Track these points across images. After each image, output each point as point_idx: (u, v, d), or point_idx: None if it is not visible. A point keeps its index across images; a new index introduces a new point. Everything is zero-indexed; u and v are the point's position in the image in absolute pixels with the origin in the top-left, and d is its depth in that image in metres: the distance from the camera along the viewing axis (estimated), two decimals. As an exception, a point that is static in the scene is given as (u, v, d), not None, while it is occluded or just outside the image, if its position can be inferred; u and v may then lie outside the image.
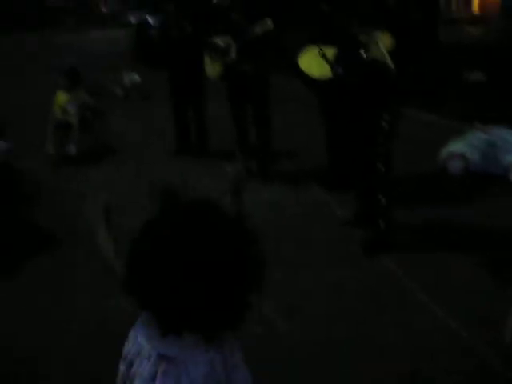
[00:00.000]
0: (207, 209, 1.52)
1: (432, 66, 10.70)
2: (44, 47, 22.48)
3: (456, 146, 6.68)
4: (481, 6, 32.02)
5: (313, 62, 5.33)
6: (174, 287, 1.41)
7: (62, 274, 4.55)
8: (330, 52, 4.87)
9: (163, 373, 1.50)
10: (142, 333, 1.58)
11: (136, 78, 11.95)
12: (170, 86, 7.48)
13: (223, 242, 1.45)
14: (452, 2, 32.44)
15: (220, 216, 1.52)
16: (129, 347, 1.62)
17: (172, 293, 1.42)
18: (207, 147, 7.54)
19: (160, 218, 1.51)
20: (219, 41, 6.31)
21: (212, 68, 6.56)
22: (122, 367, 1.64)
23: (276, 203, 5.83)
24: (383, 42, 4.15)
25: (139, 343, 1.58)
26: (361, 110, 4.67)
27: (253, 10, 6.21)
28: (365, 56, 4.33)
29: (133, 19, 33.97)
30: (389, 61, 4.10)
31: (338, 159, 5.89)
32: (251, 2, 6.29)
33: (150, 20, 20.16)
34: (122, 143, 7.99)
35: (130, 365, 1.60)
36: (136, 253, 1.50)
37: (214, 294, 1.43)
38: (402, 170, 6.10)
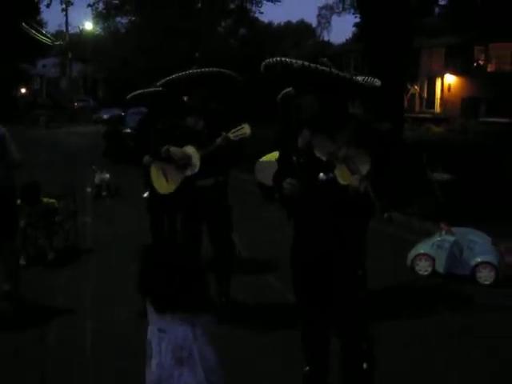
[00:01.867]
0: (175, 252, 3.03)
1: (397, 165, 10.99)
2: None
3: (423, 247, 6.78)
4: (442, 106, 33.34)
5: (270, 169, 4.44)
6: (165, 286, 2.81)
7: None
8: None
9: (159, 339, 2.91)
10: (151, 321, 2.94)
11: (106, 175, 12.02)
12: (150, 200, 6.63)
13: (184, 266, 2.87)
14: (416, 103, 33.78)
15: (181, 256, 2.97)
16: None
17: (164, 289, 2.82)
18: None
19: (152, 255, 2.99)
20: (177, 151, 5.19)
21: (163, 183, 5.65)
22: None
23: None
24: (362, 165, 3.23)
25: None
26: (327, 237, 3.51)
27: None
28: (324, 178, 3.36)
29: (105, 115, 34.74)
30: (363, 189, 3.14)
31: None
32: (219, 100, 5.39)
33: (123, 117, 20.60)
34: (92, 243, 7.94)
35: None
36: (145, 271, 2.89)
37: (183, 290, 2.80)
38: (369, 270, 6.14)
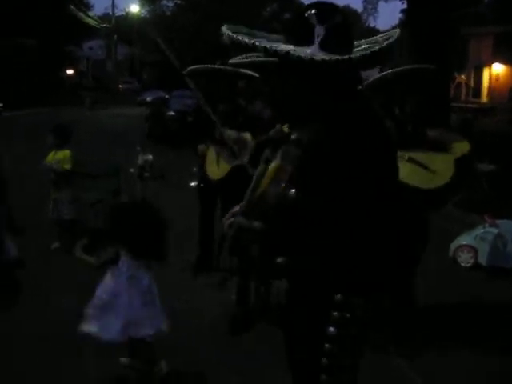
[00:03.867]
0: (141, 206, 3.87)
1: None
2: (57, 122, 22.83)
3: (466, 239, 6.70)
4: (489, 95, 32.69)
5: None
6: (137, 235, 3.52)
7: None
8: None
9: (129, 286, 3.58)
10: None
11: (149, 157, 12.11)
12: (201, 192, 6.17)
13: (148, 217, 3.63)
14: (462, 92, 33.19)
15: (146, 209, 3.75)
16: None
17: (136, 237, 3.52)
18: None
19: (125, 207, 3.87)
20: (232, 134, 4.91)
21: (215, 169, 5.31)
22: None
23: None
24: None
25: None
26: None
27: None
28: None
29: (149, 98, 35.00)
30: None
31: None
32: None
33: (167, 99, 20.78)
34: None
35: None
36: (117, 221, 3.64)
37: (157, 239, 3.58)
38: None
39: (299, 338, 2.31)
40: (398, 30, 2.12)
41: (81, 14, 40.37)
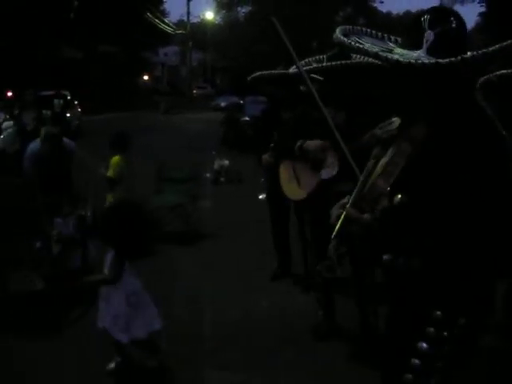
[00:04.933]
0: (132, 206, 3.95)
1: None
2: (133, 127, 23.25)
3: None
4: None
5: None
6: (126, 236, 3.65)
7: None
8: None
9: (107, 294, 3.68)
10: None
11: (225, 162, 12.34)
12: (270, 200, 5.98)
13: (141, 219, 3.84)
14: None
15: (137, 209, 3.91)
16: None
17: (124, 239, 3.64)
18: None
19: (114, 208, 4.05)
20: (311, 146, 4.28)
21: (294, 187, 4.63)
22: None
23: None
24: None
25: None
26: None
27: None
28: None
29: (223, 103, 35.40)
30: None
31: None
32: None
33: (242, 105, 21.03)
34: (209, 227, 8.13)
35: None
36: (108, 223, 3.75)
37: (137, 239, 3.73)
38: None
39: (389, 348, 2.33)
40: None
41: (157, 21, 41.18)
